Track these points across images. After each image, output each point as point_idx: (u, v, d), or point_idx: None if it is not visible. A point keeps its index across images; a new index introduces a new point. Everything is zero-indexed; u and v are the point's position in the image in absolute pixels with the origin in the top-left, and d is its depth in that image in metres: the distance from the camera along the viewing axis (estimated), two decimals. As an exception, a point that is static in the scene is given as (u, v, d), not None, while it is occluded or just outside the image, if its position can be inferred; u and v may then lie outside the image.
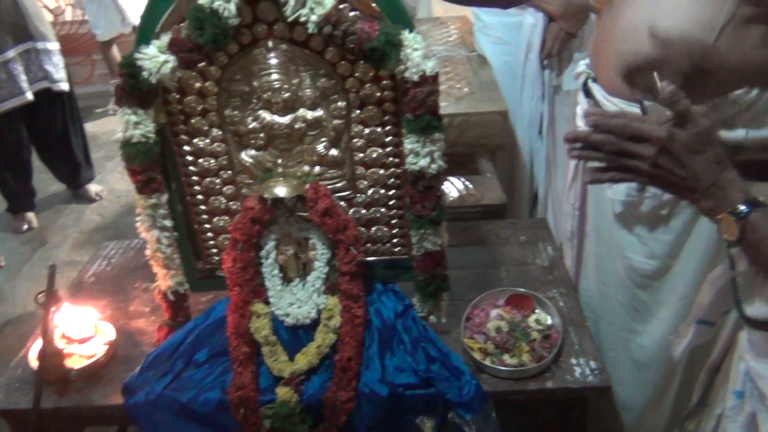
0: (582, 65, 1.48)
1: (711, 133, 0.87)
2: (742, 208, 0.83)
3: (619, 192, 1.41)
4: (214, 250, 1.42)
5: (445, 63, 2.30)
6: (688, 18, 1.20)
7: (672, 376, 1.52)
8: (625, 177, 0.91)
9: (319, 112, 1.24)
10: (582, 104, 1.48)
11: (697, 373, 1.28)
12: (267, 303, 1.29)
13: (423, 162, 1.19)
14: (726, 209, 0.85)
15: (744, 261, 0.93)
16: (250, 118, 1.25)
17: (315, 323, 1.27)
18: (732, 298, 0.98)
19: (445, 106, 1.91)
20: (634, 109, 1.36)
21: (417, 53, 1.11)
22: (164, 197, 1.28)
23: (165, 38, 1.13)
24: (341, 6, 1.11)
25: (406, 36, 1.11)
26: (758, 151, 0.96)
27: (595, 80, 1.41)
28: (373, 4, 1.12)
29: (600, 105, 1.38)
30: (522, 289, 1.43)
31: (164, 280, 1.36)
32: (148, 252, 1.34)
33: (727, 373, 1.12)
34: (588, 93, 1.44)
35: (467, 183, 2.06)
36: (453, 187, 2.05)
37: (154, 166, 1.24)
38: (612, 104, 1.37)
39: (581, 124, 1.55)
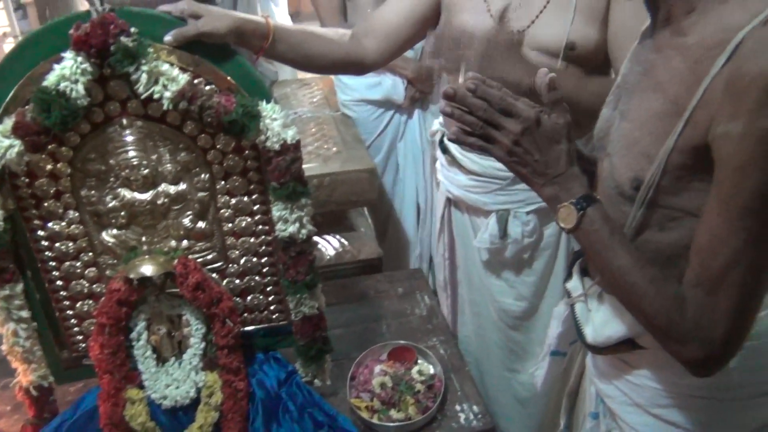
0: (436, 123, 1.57)
1: (569, 128, 0.93)
2: (582, 201, 0.89)
3: (483, 241, 1.49)
4: (80, 337, 1.33)
5: (312, 123, 2.34)
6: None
7: (556, 408, 1.59)
8: (486, 146, 0.93)
9: (182, 186, 1.22)
10: (440, 159, 1.56)
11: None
12: (141, 387, 1.23)
13: (292, 228, 1.20)
14: (568, 199, 0.90)
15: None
16: (109, 197, 1.21)
17: (195, 402, 1.23)
18: (575, 328, 1.06)
19: (314, 167, 1.95)
20: (489, 162, 1.45)
21: (276, 123, 1.13)
22: (18, 287, 1.20)
23: (8, 122, 1.08)
24: (196, 81, 1.11)
25: (264, 107, 1.13)
26: (592, 164, 1.07)
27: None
28: (229, 78, 1.13)
29: (456, 160, 1.47)
30: (403, 342, 1.46)
31: (25, 375, 1.26)
32: (4, 347, 1.24)
33: (583, 397, 1.20)
34: (444, 149, 1.52)
35: (342, 240, 2.09)
36: (329, 246, 2.07)
37: (5, 255, 1.16)
38: (466, 158, 1.46)
39: (442, 178, 1.63)
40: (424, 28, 1.56)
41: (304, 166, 1.20)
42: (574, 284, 1.08)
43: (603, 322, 1.01)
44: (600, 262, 0.92)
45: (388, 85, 2.39)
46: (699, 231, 0.85)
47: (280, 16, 2.97)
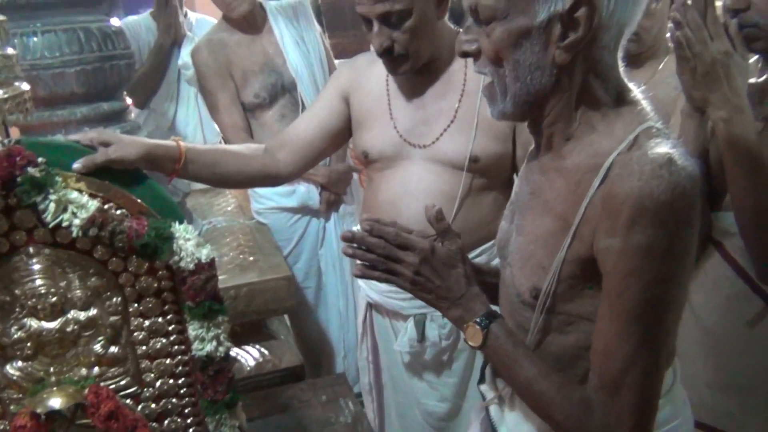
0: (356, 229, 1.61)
1: (462, 252, 1.03)
2: (485, 318, 0.98)
3: (403, 344, 1.52)
4: (-20, 482, 1.24)
5: (227, 233, 2.34)
6: (433, 192, 1.40)
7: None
8: (390, 278, 1.02)
9: (93, 311, 1.19)
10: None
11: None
12: None
13: (209, 347, 1.19)
14: (472, 318, 0.98)
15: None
16: (13, 328, 1.16)
17: None
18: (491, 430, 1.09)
19: (231, 278, 1.93)
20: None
21: (190, 243, 1.14)
22: None
23: None
24: (106, 206, 1.11)
25: (177, 228, 1.14)
26: (493, 276, 1.14)
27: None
28: (139, 201, 1.14)
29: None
30: (329, 454, 1.43)
31: None
32: None
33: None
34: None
35: (263, 349, 2.05)
36: (249, 356, 2.02)
37: None
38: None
39: (361, 283, 1.67)
40: (336, 141, 1.64)
41: (220, 277, 1.20)
42: (487, 387, 1.12)
43: (515, 423, 1.05)
44: (508, 374, 0.99)
45: (303, 191, 2.44)
46: (596, 337, 0.92)
47: None
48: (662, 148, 0.86)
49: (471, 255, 1.44)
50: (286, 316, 2.34)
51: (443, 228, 1.03)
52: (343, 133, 1.61)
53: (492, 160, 1.43)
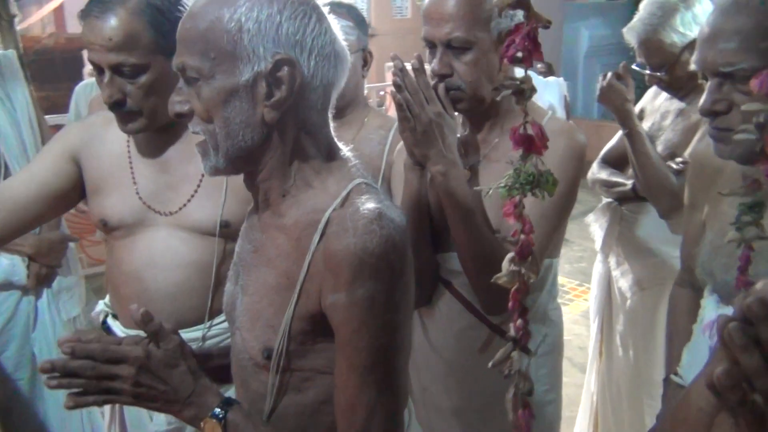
0: (101, 304, 1.49)
1: (183, 347, 0.98)
2: (219, 410, 0.95)
3: (161, 423, 1.43)
4: None
5: None
6: (183, 261, 1.37)
7: None
8: (109, 398, 0.95)
9: None
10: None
11: None
12: None
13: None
14: (207, 413, 0.95)
15: None
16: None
17: None
18: None
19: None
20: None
21: None
22: None
23: None
24: None
25: None
26: (222, 357, 1.14)
27: (115, 317, 1.44)
28: None
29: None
30: None
31: None
32: None
33: None
34: (108, 330, 1.45)
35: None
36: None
37: None
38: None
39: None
40: (58, 206, 1.48)
41: None
42: None
43: None
44: None
45: (5, 265, 2.14)
46: (337, 394, 0.95)
47: None
48: (372, 203, 0.92)
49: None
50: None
51: (154, 329, 0.96)
52: (69, 196, 1.46)
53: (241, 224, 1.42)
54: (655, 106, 2.16)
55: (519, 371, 0.97)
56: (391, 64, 1.32)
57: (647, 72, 2.02)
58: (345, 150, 1.04)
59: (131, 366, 0.93)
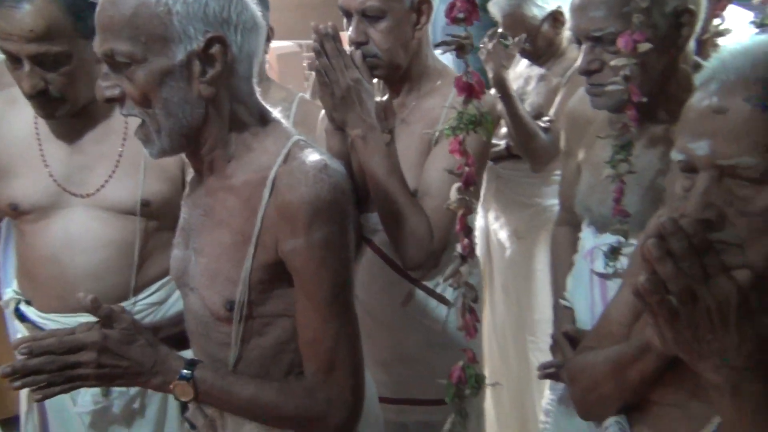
0: (9, 292, 1.38)
1: (136, 324, 1.04)
2: (186, 371, 1.02)
3: (86, 403, 1.36)
4: None
5: None
6: (102, 241, 1.32)
7: None
8: (75, 385, 1.00)
9: None
10: (19, 330, 1.36)
11: None
12: None
13: None
14: (174, 377, 1.01)
15: None
16: None
17: None
18: None
19: None
20: (69, 320, 1.35)
21: None
22: None
23: None
24: None
25: None
26: (171, 327, 1.19)
27: (28, 303, 1.34)
28: None
29: (37, 325, 1.32)
30: None
31: None
32: None
33: None
34: (22, 317, 1.34)
35: None
36: None
37: None
38: (49, 320, 1.34)
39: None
40: None
41: None
42: (194, 414, 1.12)
43: None
44: (230, 406, 1.05)
45: None
46: (301, 329, 1.04)
47: None
48: (315, 155, 1.01)
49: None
50: None
51: (105, 314, 1.02)
52: None
53: (164, 203, 1.39)
54: (518, 72, 2.36)
55: (466, 282, 1.13)
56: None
57: (510, 42, 2.19)
58: (275, 112, 1.09)
59: (91, 351, 0.97)
